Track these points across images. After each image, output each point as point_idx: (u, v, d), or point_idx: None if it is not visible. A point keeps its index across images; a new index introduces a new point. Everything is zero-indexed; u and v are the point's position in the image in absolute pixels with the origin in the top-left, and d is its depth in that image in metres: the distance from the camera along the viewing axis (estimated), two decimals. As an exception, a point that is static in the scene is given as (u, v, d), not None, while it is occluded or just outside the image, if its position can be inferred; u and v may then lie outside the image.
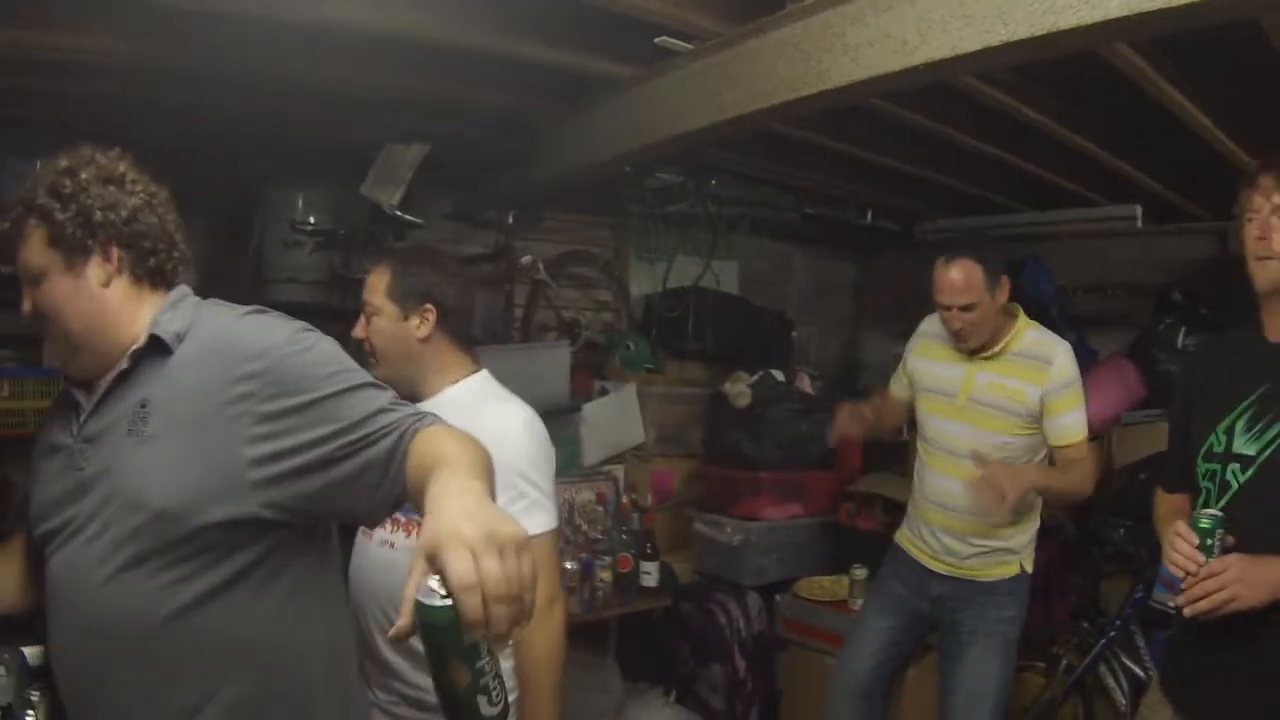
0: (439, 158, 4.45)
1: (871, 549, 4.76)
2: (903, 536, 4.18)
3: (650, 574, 4.88)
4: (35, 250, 2.02)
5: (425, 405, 2.55)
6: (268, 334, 2.01)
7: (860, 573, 4.89)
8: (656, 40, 3.53)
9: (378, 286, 2.89)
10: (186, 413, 1.96)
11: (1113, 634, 4.78)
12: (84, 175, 2.06)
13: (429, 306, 2.86)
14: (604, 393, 5.41)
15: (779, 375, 5.68)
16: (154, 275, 2.14)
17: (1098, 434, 5.26)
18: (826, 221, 6.12)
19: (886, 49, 2.91)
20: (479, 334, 5.16)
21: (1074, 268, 5.93)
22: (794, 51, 3.21)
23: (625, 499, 5.17)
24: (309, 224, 4.66)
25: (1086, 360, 5.55)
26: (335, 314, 4.44)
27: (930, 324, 4.10)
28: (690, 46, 3.56)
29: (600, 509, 4.99)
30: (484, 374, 2.99)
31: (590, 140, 4.20)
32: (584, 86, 4.02)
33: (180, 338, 2.05)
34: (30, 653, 2.50)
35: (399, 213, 4.55)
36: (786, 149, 4.71)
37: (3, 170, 4.63)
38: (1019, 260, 5.63)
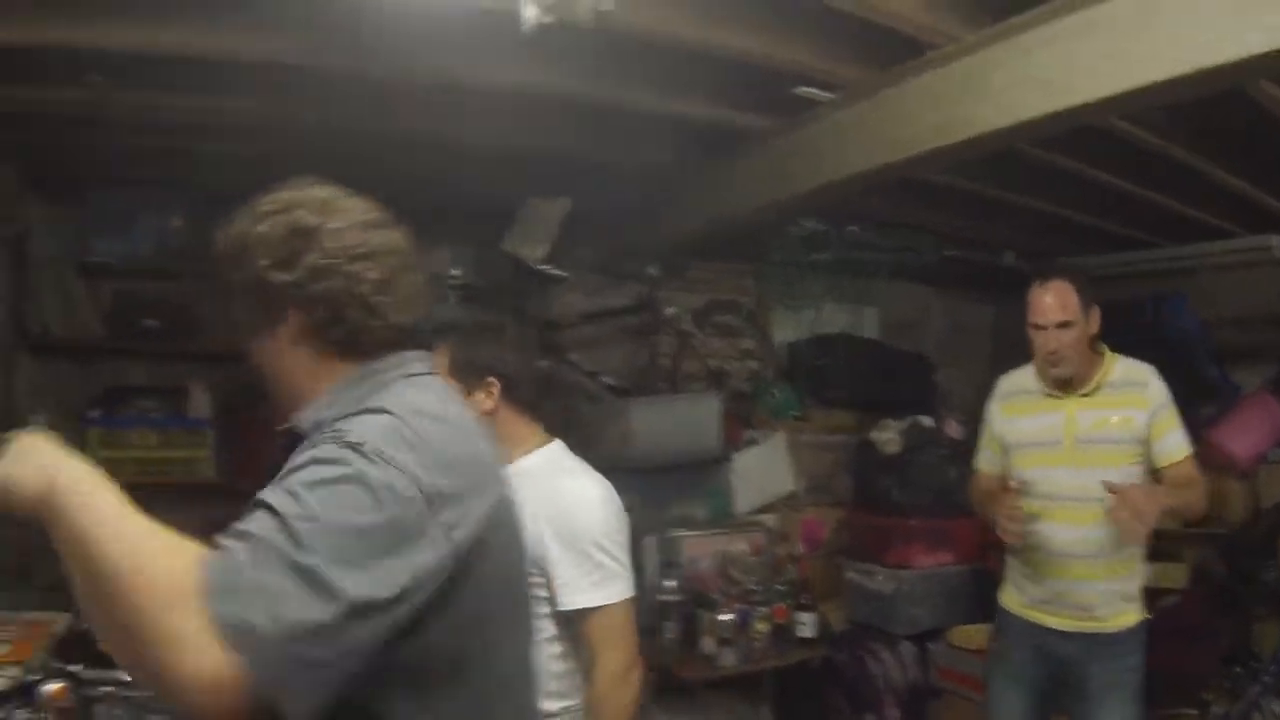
0: (582, 211, 4.52)
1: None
2: (1013, 601, 3.99)
3: (806, 624, 4.87)
4: (249, 301, 1.84)
5: None
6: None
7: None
8: (797, 90, 3.57)
9: (439, 366, 2.83)
10: None
11: (1267, 679, 4.65)
12: (314, 219, 1.81)
13: (491, 380, 2.82)
14: (753, 442, 5.41)
15: (926, 421, 5.64)
16: (344, 345, 1.83)
17: (1244, 472, 5.15)
18: (965, 263, 6.09)
19: (1031, 93, 2.89)
20: (628, 386, 5.22)
21: (1213, 301, 5.75)
22: (936, 99, 3.22)
23: (780, 550, 5.15)
24: (454, 278, 4.72)
25: (1229, 396, 5.48)
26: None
27: (1007, 383, 3.99)
28: (831, 96, 3.60)
29: (755, 559, 5.00)
30: (557, 445, 2.94)
31: (732, 192, 4.25)
32: (725, 138, 4.07)
33: (320, 425, 1.72)
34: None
35: (543, 267, 4.61)
36: (927, 193, 4.72)
37: (135, 226, 4.84)
38: (1159, 296, 5.55)
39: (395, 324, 1.86)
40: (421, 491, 1.57)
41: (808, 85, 3.57)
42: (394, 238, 1.88)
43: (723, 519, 5.07)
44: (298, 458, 1.59)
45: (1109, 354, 3.78)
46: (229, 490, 5.00)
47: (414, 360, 1.90)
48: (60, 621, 3.49)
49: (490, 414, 2.79)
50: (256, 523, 1.45)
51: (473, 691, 1.74)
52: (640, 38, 3.10)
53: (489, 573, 1.74)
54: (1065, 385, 3.77)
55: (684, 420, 4.86)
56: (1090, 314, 3.67)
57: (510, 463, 2.68)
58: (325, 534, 1.44)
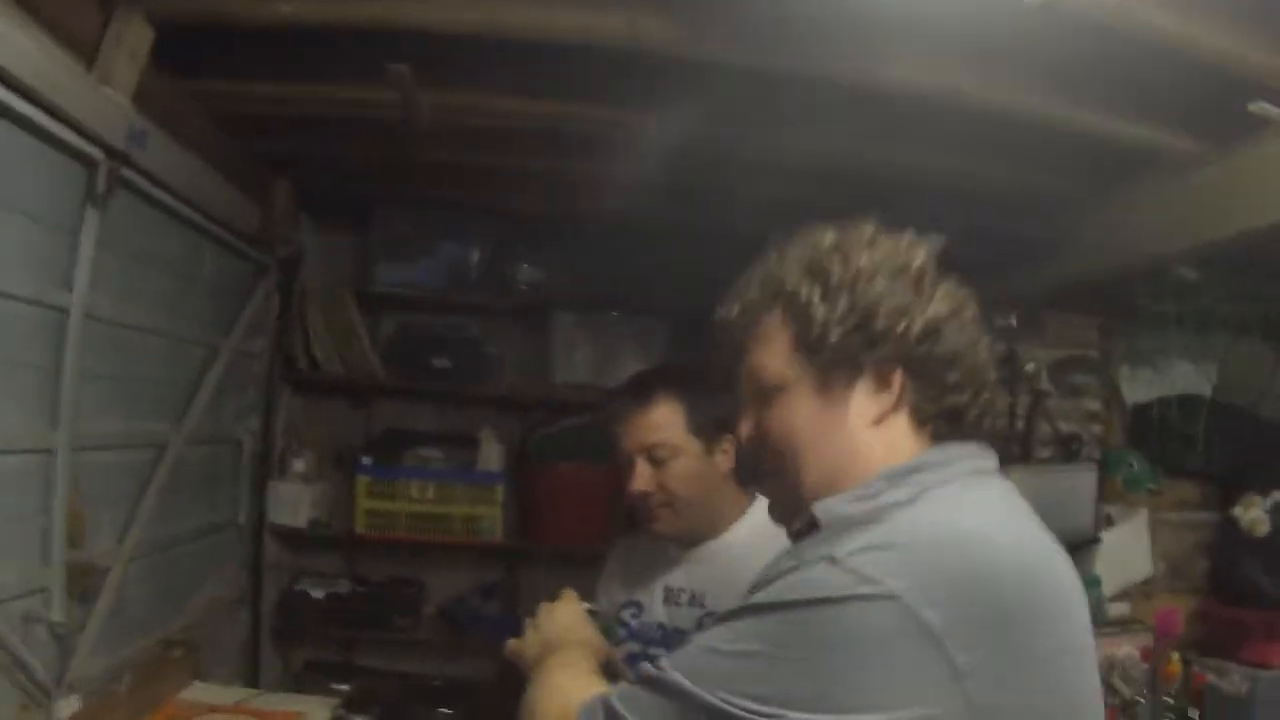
0: (949, 250, 3.92)
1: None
2: None
3: (1200, 744, 4.22)
4: (773, 354, 1.50)
5: (718, 546, 2.47)
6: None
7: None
8: (1252, 106, 2.91)
9: (671, 422, 2.44)
10: None
11: None
12: (863, 260, 1.47)
13: (728, 435, 2.41)
14: (1109, 520, 4.80)
15: (1297, 499, 4.96)
16: (947, 428, 1.50)
17: None
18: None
19: None
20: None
21: None
22: None
23: (1171, 658, 4.47)
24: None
25: None
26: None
27: None
28: (1285, 114, 2.94)
29: (1144, 666, 4.34)
30: (759, 499, 2.45)
31: (1135, 229, 3.61)
32: (1137, 164, 3.42)
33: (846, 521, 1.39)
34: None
35: None
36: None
37: (426, 254, 4.38)
38: None
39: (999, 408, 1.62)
40: None
41: (1265, 99, 2.91)
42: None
43: (1098, 616, 4.44)
44: None
45: None
46: (513, 552, 4.59)
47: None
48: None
49: (727, 476, 2.49)
50: None
51: None
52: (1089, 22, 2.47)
53: None
54: None
55: (1055, 494, 4.30)
56: None
57: (725, 530, 2.51)
58: None
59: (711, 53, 2.68)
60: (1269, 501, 4.89)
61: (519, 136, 3.40)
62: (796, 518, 1.46)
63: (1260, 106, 2.90)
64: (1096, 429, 5.26)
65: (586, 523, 4.34)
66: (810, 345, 1.45)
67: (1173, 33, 2.50)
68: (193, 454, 3.49)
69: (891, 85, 2.79)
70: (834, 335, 1.43)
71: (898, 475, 1.40)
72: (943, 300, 1.49)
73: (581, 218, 4.21)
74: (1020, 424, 4.86)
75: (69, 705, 2.57)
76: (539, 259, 4.52)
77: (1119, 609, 4.74)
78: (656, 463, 2.44)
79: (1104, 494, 4.88)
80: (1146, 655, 4.37)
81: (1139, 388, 5.35)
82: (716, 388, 2.49)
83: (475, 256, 4.41)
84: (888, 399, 1.46)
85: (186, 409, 3.41)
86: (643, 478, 2.45)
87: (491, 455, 4.48)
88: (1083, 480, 4.67)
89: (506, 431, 4.64)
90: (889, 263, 1.47)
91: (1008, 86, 2.88)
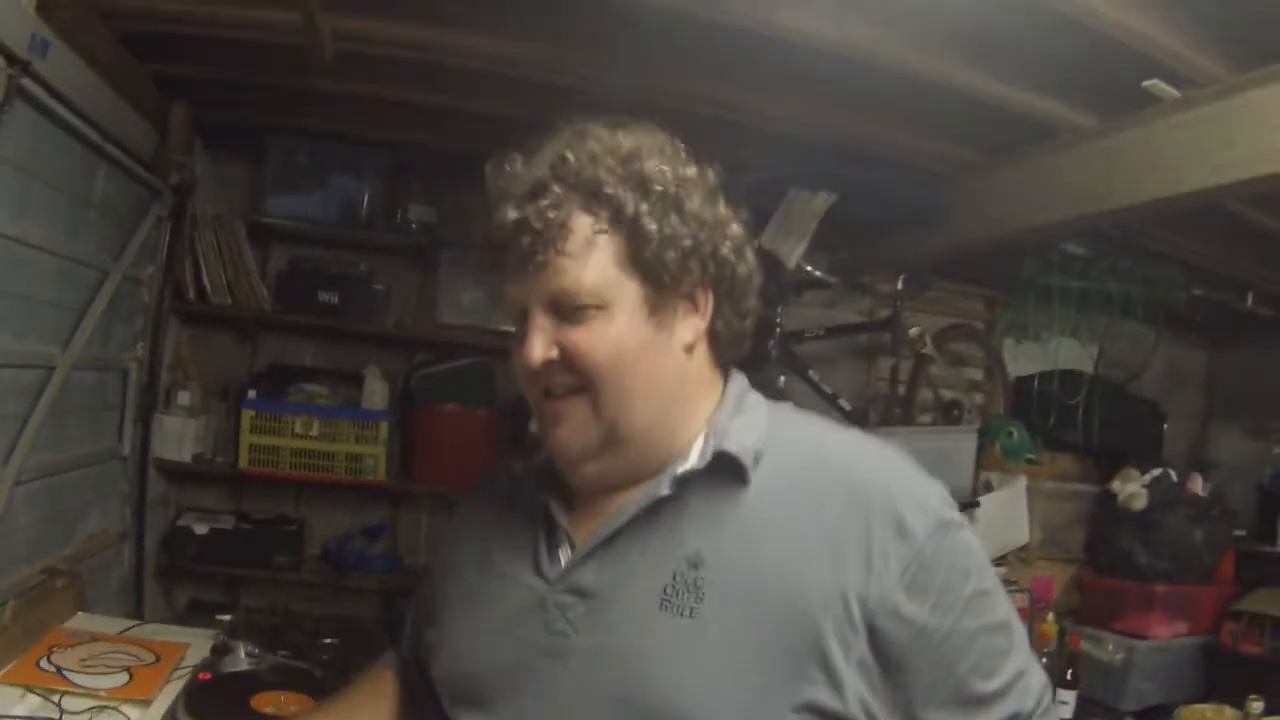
0: (841, 210, 3.93)
1: (1254, 677, 4.31)
2: None
3: (1069, 704, 4.28)
4: (594, 267, 1.36)
5: None
6: (913, 494, 1.38)
7: (1257, 705, 4.23)
8: (1145, 84, 2.95)
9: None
10: (763, 590, 1.32)
11: None
12: (679, 172, 1.40)
13: None
14: (988, 486, 4.86)
15: (1174, 475, 5.06)
16: (730, 351, 1.51)
17: None
18: (1204, 304, 5.47)
19: None
20: (861, 411, 4.81)
21: None
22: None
23: (1046, 619, 4.54)
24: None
25: None
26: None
27: None
28: (1177, 94, 2.98)
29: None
30: None
31: (1026, 199, 3.65)
32: (1033, 136, 3.46)
33: (758, 461, 1.39)
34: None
35: (807, 268, 4.13)
36: (1229, 226, 4.04)
37: (320, 186, 4.33)
38: None
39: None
40: None
41: (1160, 78, 2.95)
42: None
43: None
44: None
45: None
46: (396, 494, 4.55)
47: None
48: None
49: None
50: None
51: None
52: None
53: None
54: None
55: (940, 457, 4.34)
56: None
57: None
58: None
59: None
60: (1146, 477, 4.98)
61: (421, 69, 3.35)
62: (644, 466, 1.43)
63: (1155, 85, 2.95)
64: (979, 398, 5.36)
65: (470, 464, 4.31)
66: (642, 263, 1.37)
67: (1079, 6, 2.53)
68: (79, 380, 3.40)
69: (790, 33, 2.77)
70: (669, 254, 1.36)
71: (738, 403, 1.47)
72: (737, 221, 1.47)
73: (476, 157, 4.10)
74: (902, 388, 4.92)
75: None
76: (431, 197, 4.48)
77: (996, 572, 4.81)
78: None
79: (984, 461, 4.94)
80: (1023, 616, 4.44)
81: (1022, 361, 5.44)
82: None
83: (368, 192, 4.36)
84: (699, 323, 1.44)
85: (74, 332, 3.31)
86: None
87: (376, 393, 4.43)
88: (963, 445, 4.72)
89: (392, 371, 4.60)
90: (698, 175, 1.43)
91: (909, 47, 2.90)
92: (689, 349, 1.43)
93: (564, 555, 1.45)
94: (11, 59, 2.41)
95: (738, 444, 1.38)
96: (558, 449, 1.44)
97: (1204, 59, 2.79)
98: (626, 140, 1.40)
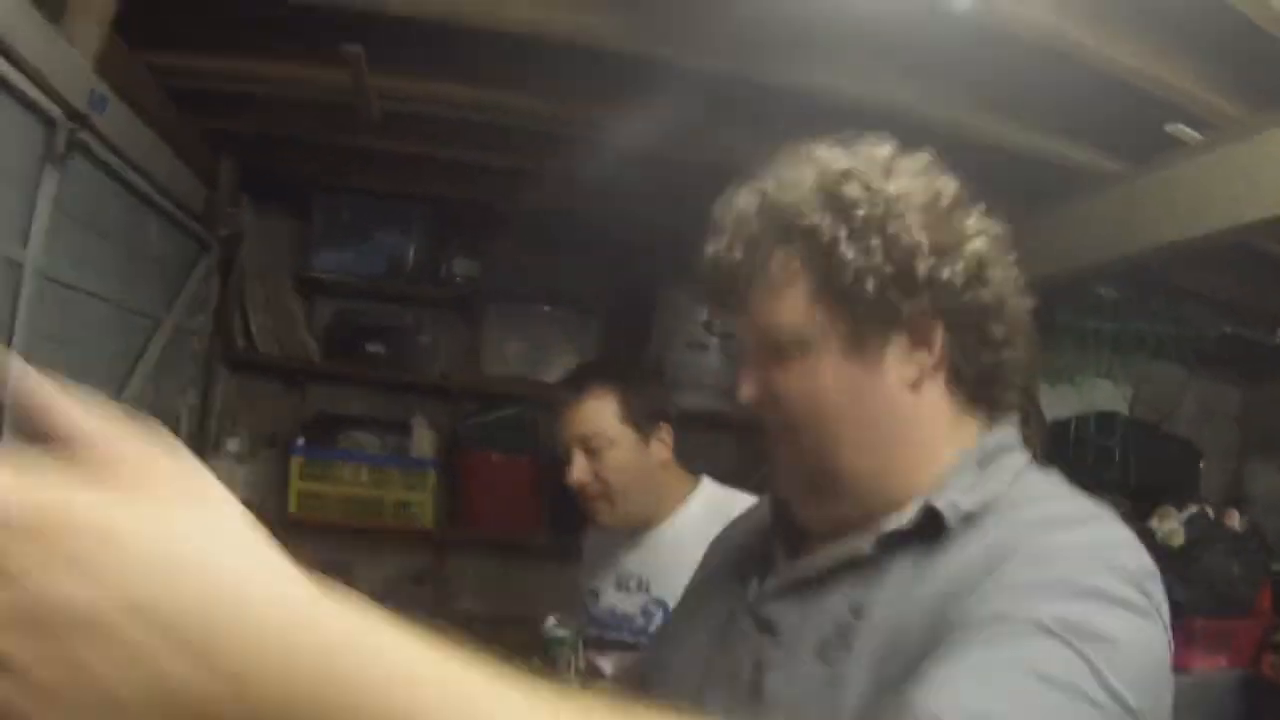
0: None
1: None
2: None
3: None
4: (791, 304, 1.24)
5: (663, 533, 2.57)
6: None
7: (1298, 736, 4.28)
8: (1168, 128, 3.02)
9: (603, 414, 2.54)
10: (894, 646, 1.12)
11: None
12: (890, 189, 1.22)
13: (664, 424, 2.61)
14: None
15: (1210, 511, 5.10)
16: (981, 391, 1.31)
17: None
18: (1236, 341, 5.49)
19: None
20: None
21: None
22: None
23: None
24: (718, 324, 4.31)
25: None
26: (732, 424, 4.22)
27: None
28: (1199, 136, 3.05)
29: None
30: (705, 481, 2.70)
31: (1056, 245, 3.69)
32: (1066, 182, 3.52)
33: (970, 520, 1.18)
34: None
35: None
36: (1257, 262, 4.09)
37: (365, 241, 4.42)
38: None
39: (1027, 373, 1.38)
40: None
41: (1181, 121, 3.02)
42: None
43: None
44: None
45: None
46: (441, 541, 4.61)
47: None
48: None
49: (666, 464, 2.62)
50: None
51: None
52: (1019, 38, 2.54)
53: None
54: None
55: None
56: None
57: (669, 516, 2.61)
58: None
59: (661, 53, 2.74)
60: (1184, 514, 5.00)
61: (462, 127, 3.45)
62: (817, 497, 1.31)
63: (1176, 128, 3.01)
64: (1015, 440, 5.36)
65: (514, 512, 4.39)
66: (839, 294, 1.22)
67: (1100, 55, 2.58)
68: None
69: (829, 91, 2.84)
70: (869, 283, 1.20)
71: (987, 458, 1.28)
72: (981, 235, 1.28)
73: (517, 211, 4.24)
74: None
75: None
76: (473, 250, 4.56)
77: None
78: (591, 453, 2.53)
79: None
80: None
81: (1057, 404, 5.45)
82: (650, 378, 2.61)
83: (412, 246, 4.44)
84: (927, 358, 1.26)
85: (127, 380, 3.41)
86: (579, 468, 2.54)
87: (424, 441, 4.51)
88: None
89: (437, 420, 4.66)
90: (919, 193, 1.24)
91: (941, 101, 2.96)
92: (914, 386, 1.26)
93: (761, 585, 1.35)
94: (72, 114, 2.52)
95: (947, 501, 1.18)
96: (771, 488, 1.40)
97: (1223, 102, 2.83)
98: (841, 160, 1.26)
